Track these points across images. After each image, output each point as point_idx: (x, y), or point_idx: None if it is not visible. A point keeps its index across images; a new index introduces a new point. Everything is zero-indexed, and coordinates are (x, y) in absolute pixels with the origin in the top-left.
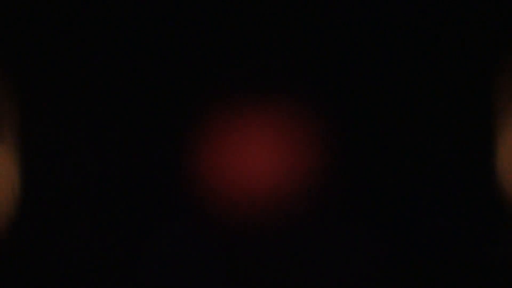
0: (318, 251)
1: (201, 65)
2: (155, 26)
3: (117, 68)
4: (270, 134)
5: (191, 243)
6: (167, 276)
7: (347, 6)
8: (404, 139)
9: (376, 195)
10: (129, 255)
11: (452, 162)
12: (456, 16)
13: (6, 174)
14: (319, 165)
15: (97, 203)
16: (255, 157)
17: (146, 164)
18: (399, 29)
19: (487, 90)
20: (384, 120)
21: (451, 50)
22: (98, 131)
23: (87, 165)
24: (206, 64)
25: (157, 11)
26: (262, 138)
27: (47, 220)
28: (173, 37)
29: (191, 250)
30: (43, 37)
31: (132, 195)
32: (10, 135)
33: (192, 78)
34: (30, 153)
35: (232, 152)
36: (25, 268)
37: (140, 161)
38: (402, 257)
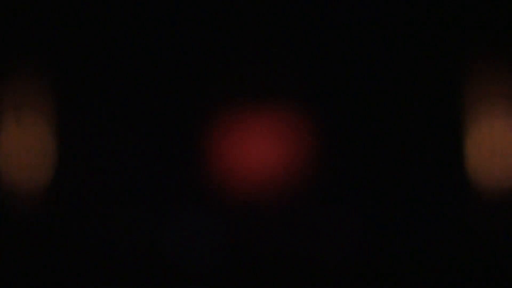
0: (313, 233)
1: (208, 67)
2: (163, 31)
3: (133, 73)
4: (271, 129)
5: (201, 227)
6: (181, 255)
7: (340, 9)
8: (392, 134)
9: (366, 186)
10: (140, 246)
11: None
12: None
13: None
14: (314, 159)
15: (117, 194)
16: (258, 150)
17: (161, 159)
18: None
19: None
20: (372, 117)
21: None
22: (118, 131)
23: (109, 162)
24: (212, 66)
25: (167, 16)
26: (264, 133)
27: (74, 209)
28: (180, 41)
29: (201, 232)
30: (77, 38)
31: (144, 189)
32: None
33: (200, 81)
34: (57, 146)
35: (237, 146)
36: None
37: (156, 157)
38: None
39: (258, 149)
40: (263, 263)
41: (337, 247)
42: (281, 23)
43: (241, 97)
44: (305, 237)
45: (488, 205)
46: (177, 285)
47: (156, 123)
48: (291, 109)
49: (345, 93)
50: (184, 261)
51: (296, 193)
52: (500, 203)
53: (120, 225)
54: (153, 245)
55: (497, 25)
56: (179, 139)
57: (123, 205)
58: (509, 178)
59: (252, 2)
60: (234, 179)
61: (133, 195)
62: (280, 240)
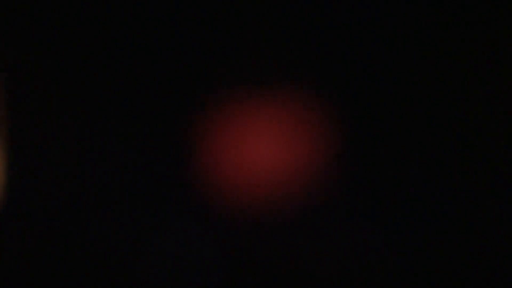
0: (320, 246)
1: (204, 63)
2: (158, 27)
3: (123, 69)
4: (272, 131)
5: (194, 239)
6: (169, 272)
7: (347, 6)
8: (401, 136)
9: (375, 192)
10: (132, 252)
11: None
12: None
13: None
14: (320, 161)
15: (101, 201)
16: (258, 154)
17: (151, 162)
18: (394, 30)
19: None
20: (381, 117)
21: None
22: (104, 130)
23: (91, 165)
24: (208, 62)
25: (160, 12)
26: (265, 135)
27: (53, 217)
28: (176, 37)
29: (194, 246)
30: (44, 37)
31: (137, 192)
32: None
33: (196, 77)
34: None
35: (235, 149)
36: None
37: (145, 159)
38: (402, 254)
39: (259, 149)
40: (264, 269)
41: (341, 254)
42: (285, 17)
43: (241, 97)
44: (307, 243)
45: (489, 205)
46: None
47: (155, 123)
48: (293, 108)
49: (348, 92)
50: (181, 268)
51: (298, 196)
52: (501, 203)
53: (114, 230)
54: (149, 250)
55: (497, 25)
56: (179, 139)
57: (118, 208)
58: (509, 176)
59: (253, 2)
60: (233, 182)
61: (129, 198)
62: (281, 246)
